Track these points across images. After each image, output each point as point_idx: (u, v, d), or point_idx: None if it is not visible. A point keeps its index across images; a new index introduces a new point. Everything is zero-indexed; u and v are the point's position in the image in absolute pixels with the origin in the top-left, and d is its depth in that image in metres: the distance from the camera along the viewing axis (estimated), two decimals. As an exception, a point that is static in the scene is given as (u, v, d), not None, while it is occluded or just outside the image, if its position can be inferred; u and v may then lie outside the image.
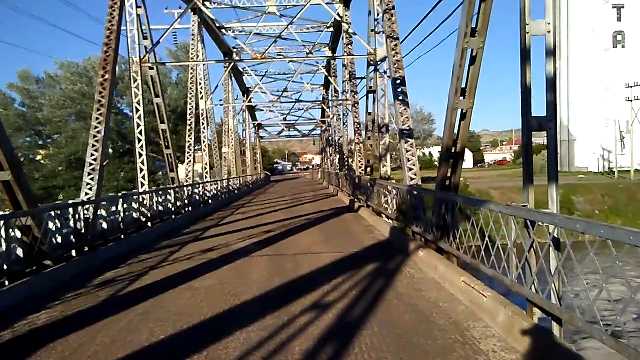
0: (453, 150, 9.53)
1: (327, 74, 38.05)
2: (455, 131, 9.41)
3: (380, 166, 19.51)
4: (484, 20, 8.60)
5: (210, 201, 26.47)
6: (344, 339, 5.94)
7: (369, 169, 22.95)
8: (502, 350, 5.37)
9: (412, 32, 17.04)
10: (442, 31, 13.46)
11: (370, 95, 21.33)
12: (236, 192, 36.39)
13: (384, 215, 16.05)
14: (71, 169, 42.30)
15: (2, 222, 8.67)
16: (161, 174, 42.18)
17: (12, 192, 9.01)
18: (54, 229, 10.49)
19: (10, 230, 8.85)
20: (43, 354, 5.92)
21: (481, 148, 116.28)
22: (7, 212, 9.05)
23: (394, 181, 17.28)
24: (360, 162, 23.96)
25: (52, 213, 10.65)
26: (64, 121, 42.39)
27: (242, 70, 40.86)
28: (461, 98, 9.06)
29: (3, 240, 8.61)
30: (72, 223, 11.25)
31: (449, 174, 9.76)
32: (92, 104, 41.02)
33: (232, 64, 33.89)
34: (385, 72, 19.47)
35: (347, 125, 33.39)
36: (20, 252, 9.20)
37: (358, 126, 25.46)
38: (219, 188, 30.09)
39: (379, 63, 19.44)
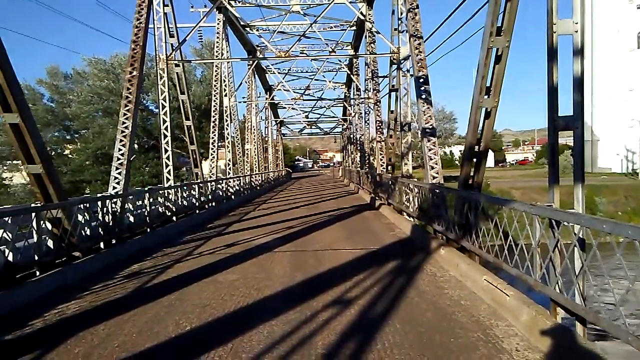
0: (476, 149, 9.50)
1: (349, 72, 38.07)
2: (479, 130, 9.39)
3: (401, 164, 19.49)
4: (509, 19, 8.56)
5: (232, 197, 26.73)
6: (366, 334, 6.01)
7: (390, 167, 22.94)
8: (525, 349, 5.39)
9: (436, 31, 16.94)
10: (464, 30, 13.41)
11: (393, 94, 21.33)
12: (258, 188, 36.66)
13: (404, 213, 16.05)
14: (97, 163, 43.04)
15: (34, 213, 8.93)
16: (185, 170, 42.63)
17: (43, 184, 9.26)
18: (83, 222, 10.75)
19: (41, 222, 9.10)
20: (73, 342, 6.11)
21: (502, 147, 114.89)
22: (38, 204, 9.30)
23: (415, 179, 17.26)
24: (381, 160, 23.95)
25: (81, 206, 10.91)
26: (91, 116, 43.16)
27: (265, 68, 41.11)
28: (485, 97, 9.03)
29: (34, 232, 8.87)
30: (100, 216, 11.52)
31: (471, 173, 9.74)
32: (118, 100, 41.85)
33: (256, 61, 34.11)
34: (407, 71, 19.44)
35: (368, 123, 33.39)
36: (50, 243, 9.45)
37: (379, 124, 25.44)
38: (242, 184, 30.36)
39: (402, 61, 19.42)
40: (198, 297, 7.99)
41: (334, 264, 10.22)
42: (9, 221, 8.40)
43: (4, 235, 8.18)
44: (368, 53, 24.36)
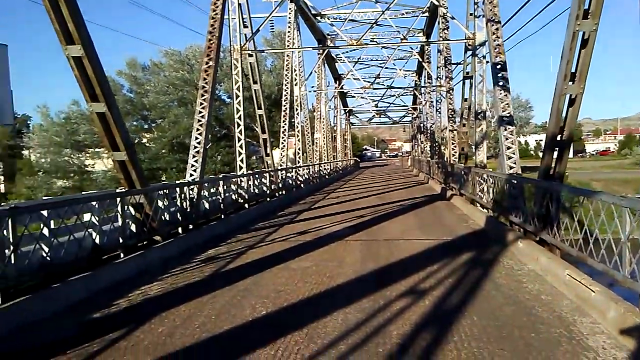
0: (559, 138, 9.09)
1: (420, 60, 37.38)
2: (562, 118, 8.97)
3: (475, 154, 18.96)
4: (597, 1, 8.10)
5: (302, 185, 27.00)
6: (442, 326, 5.91)
7: (462, 157, 22.39)
8: (612, 347, 5.12)
9: (515, 15, 16.22)
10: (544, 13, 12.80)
11: (467, 81, 20.76)
12: (326, 177, 36.85)
13: (478, 204, 15.64)
14: (173, 151, 44.63)
15: (119, 198, 9.40)
16: (254, 158, 43.50)
17: (127, 171, 9.71)
18: (162, 207, 11.20)
19: (125, 207, 9.56)
20: (156, 321, 6.39)
21: (582, 137, 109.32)
22: (123, 190, 9.77)
23: (490, 169, 16.75)
24: (453, 149, 23.42)
25: (161, 192, 11.38)
26: (166, 106, 44.75)
27: (334, 57, 41.09)
28: (570, 83, 8.61)
29: (119, 216, 9.33)
30: (178, 202, 11.96)
31: (552, 163, 9.33)
32: (192, 90, 43.19)
33: (326, 50, 34.14)
34: (483, 57, 18.83)
35: (439, 112, 32.65)
36: (133, 227, 9.92)
37: (452, 113, 24.86)
38: (311, 173, 30.62)
39: (478, 47, 18.82)
40: (272, 282, 8.14)
41: (406, 254, 10.12)
42: (96, 206, 8.87)
43: (92, 219, 8.65)
44: (441, 39, 23.81)
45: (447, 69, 25.24)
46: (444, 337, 5.56)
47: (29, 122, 58.82)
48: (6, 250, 6.48)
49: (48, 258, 7.34)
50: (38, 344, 5.74)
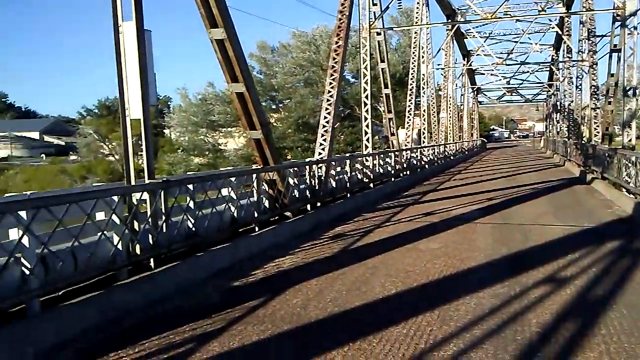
0: None
1: (559, 32, 34.62)
2: None
3: (623, 134, 17.29)
4: None
5: (426, 166, 26.54)
6: (586, 317, 5.52)
7: (606, 138, 20.54)
8: None
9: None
10: None
11: (614, 55, 18.90)
12: (451, 158, 35.86)
13: (624, 189, 14.29)
14: (298, 131, 45.95)
15: (254, 175, 9.88)
16: (377, 138, 43.43)
17: (262, 149, 10.15)
18: (293, 185, 11.59)
19: (261, 183, 10.03)
20: (290, 293, 6.66)
21: None
22: (258, 167, 10.25)
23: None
24: (595, 129, 21.56)
25: (292, 170, 11.77)
26: (293, 87, 46.10)
27: (464, 33, 39.48)
28: None
29: (255, 191, 9.81)
30: (307, 180, 12.32)
31: None
32: (318, 70, 43.92)
33: (456, 26, 32.90)
34: (635, 28, 16.99)
35: (580, 89, 30.17)
36: (266, 203, 10.38)
37: (595, 90, 22.85)
38: (435, 153, 29.96)
39: (628, 18, 17.01)
40: (401, 262, 8.11)
41: (543, 240, 9.56)
42: (235, 181, 9.39)
43: (231, 193, 9.17)
44: (584, 10, 21.86)
45: (590, 41, 23.22)
46: (589, 329, 5.19)
47: (169, 103, 63.86)
48: (159, 220, 7.09)
49: (193, 229, 7.92)
50: (186, 308, 6.25)
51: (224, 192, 9.07)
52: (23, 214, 5.18)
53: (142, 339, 5.15)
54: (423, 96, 29.37)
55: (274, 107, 50.47)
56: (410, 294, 6.62)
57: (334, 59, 13.83)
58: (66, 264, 5.66)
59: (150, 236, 6.90)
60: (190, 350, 4.92)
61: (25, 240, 5.15)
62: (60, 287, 5.67)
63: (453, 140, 39.77)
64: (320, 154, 13.53)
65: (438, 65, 37.14)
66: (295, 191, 11.80)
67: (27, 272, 5.17)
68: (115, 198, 6.39)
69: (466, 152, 45.30)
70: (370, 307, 6.12)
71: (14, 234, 5.40)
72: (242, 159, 44.07)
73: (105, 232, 6.11)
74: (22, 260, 5.19)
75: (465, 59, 44.51)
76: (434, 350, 4.80)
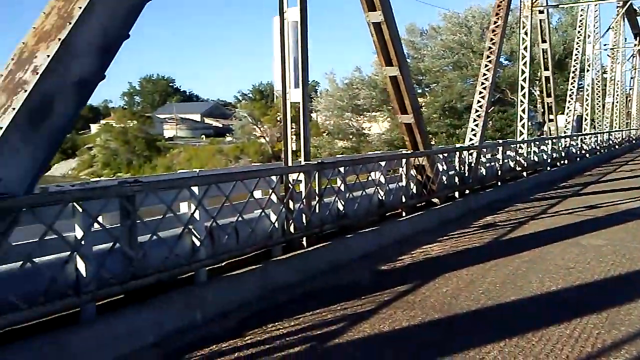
0: None
1: None
2: None
3: None
4: None
5: (587, 155, 24.43)
6: None
7: None
8: None
9: None
10: None
11: None
12: (617, 147, 32.57)
13: None
14: (444, 116, 44.78)
15: (404, 160, 9.81)
16: (530, 124, 40.81)
17: (412, 133, 10.03)
18: (441, 171, 11.33)
19: (410, 168, 9.93)
20: (440, 281, 6.53)
21: None
22: (408, 152, 10.16)
23: None
24: None
25: (440, 155, 11.50)
26: (441, 70, 44.90)
27: (637, 10, 35.26)
28: None
29: (403, 176, 9.75)
30: (457, 166, 11.96)
31: None
32: (468, 53, 42.27)
33: (629, 2, 29.48)
34: None
35: None
36: (414, 188, 10.26)
37: None
38: (598, 141, 27.42)
39: None
40: (560, 257, 7.57)
41: None
42: (384, 165, 9.40)
43: (380, 177, 9.20)
44: None
45: None
46: None
47: (317, 87, 65.81)
48: (312, 201, 7.35)
49: (343, 210, 8.09)
50: (337, 287, 6.41)
51: (373, 176, 9.13)
52: (195, 189, 5.66)
53: (296, 313, 5.39)
54: (586, 79, 26.87)
55: (419, 91, 49.64)
56: (571, 292, 6.15)
57: (492, 39, 13.12)
58: (230, 237, 6.11)
59: (304, 216, 7.17)
60: (342, 329, 5.05)
61: (196, 214, 5.63)
62: (224, 259, 6.13)
63: (619, 128, 36.09)
64: (471, 139, 13.04)
65: (604, 45, 33.69)
66: (444, 177, 11.52)
67: (197, 243, 5.65)
68: (274, 178, 6.72)
69: (634, 141, 40.86)
70: (526, 303, 5.81)
71: (184, 207, 5.94)
72: (385, 143, 44.05)
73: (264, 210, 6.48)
74: (193, 231, 5.68)
75: (637, 38, 39.81)
76: (602, 356, 4.42)
